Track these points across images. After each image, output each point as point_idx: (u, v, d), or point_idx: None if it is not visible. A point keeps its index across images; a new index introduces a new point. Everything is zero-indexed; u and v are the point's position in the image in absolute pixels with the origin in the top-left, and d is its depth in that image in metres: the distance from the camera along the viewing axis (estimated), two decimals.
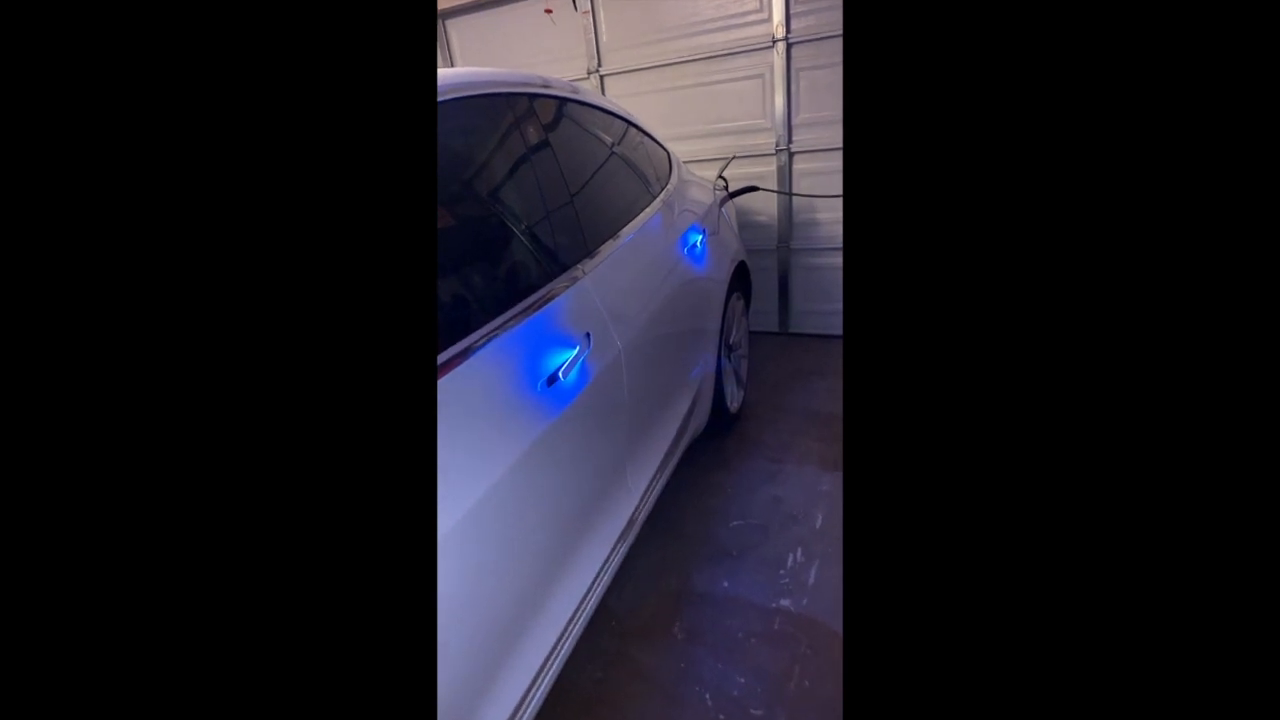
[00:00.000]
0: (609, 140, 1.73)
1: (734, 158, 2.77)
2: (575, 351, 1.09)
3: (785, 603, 1.50)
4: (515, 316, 1.01)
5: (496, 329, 0.96)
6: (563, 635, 1.10)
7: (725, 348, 2.10)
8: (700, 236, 1.90)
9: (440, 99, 1.02)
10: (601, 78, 2.99)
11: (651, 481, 1.45)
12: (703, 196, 2.15)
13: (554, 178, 1.31)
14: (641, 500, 1.40)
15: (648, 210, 1.70)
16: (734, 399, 2.26)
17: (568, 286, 1.18)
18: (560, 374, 1.03)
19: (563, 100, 1.52)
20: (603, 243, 1.40)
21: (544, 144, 1.33)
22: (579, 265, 1.26)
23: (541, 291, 1.10)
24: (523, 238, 1.16)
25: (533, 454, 0.96)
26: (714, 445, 2.18)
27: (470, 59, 3.22)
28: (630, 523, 1.35)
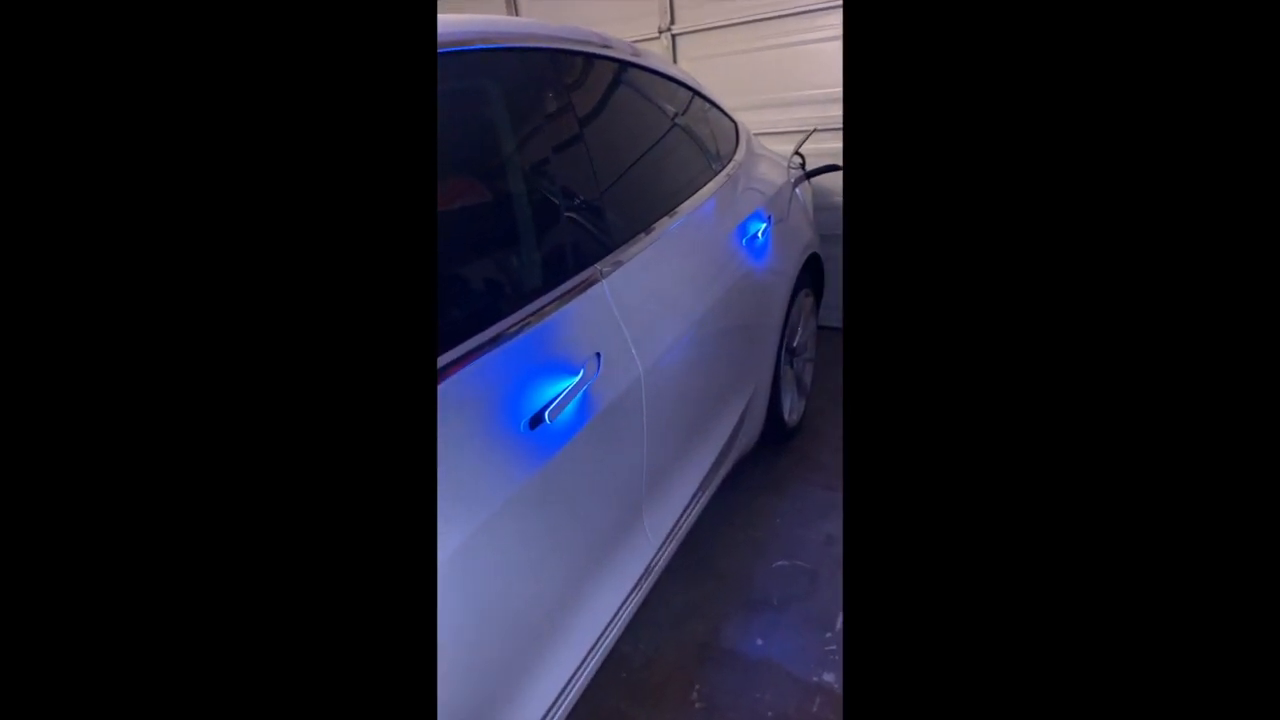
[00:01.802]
0: (669, 111, 1.47)
1: (814, 131, 2.42)
2: (574, 381, 0.87)
3: (829, 678, 1.26)
4: (493, 340, 0.79)
5: (465, 356, 0.75)
6: (554, 705, 0.90)
7: (787, 351, 1.82)
8: (764, 225, 1.62)
9: (445, 50, 0.80)
10: (673, 36, 2.69)
11: (677, 523, 1.22)
12: (773, 176, 1.85)
13: (583, 156, 1.07)
14: (663, 546, 1.18)
15: (701, 193, 1.44)
16: (793, 409, 1.98)
17: (578, 293, 0.95)
18: (547, 415, 0.81)
19: (621, 64, 1.27)
20: (636, 234, 1.15)
21: (583, 114, 1.09)
22: (599, 264, 1.02)
23: (538, 302, 0.88)
24: (528, 229, 0.93)
25: (505, 515, 0.76)
26: (765, 462, 1.92)
27: (538, 15, 2.99)
28: (647, 571, 1.14)
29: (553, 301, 0.90)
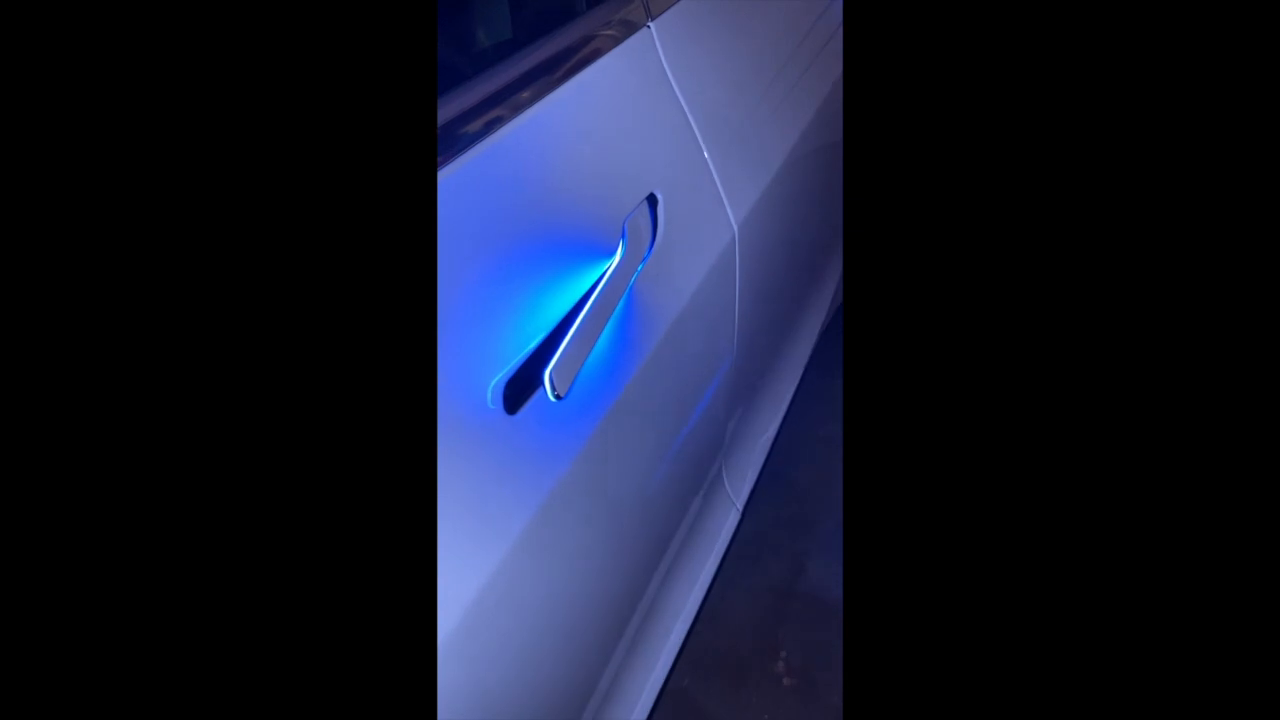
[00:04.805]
0: None
1: None
2: (600, 273, 0.36)
3: None
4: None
5: None
6: None
7: None
8: None
9: None
10: None
11: (763, 466, 0.79)
12: None
13: None
14: (747, 506, 0.75)
15: None
16: None
17: (599, 55, 0.41)
18: (547, 380, 0.32)
19: None
20: None
21: None
22: None
23: (504, 72, 0.35)
24: None
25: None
26: None
27: None
28: (727, 551, 0.73)
29: (541, 73, 0.36)
